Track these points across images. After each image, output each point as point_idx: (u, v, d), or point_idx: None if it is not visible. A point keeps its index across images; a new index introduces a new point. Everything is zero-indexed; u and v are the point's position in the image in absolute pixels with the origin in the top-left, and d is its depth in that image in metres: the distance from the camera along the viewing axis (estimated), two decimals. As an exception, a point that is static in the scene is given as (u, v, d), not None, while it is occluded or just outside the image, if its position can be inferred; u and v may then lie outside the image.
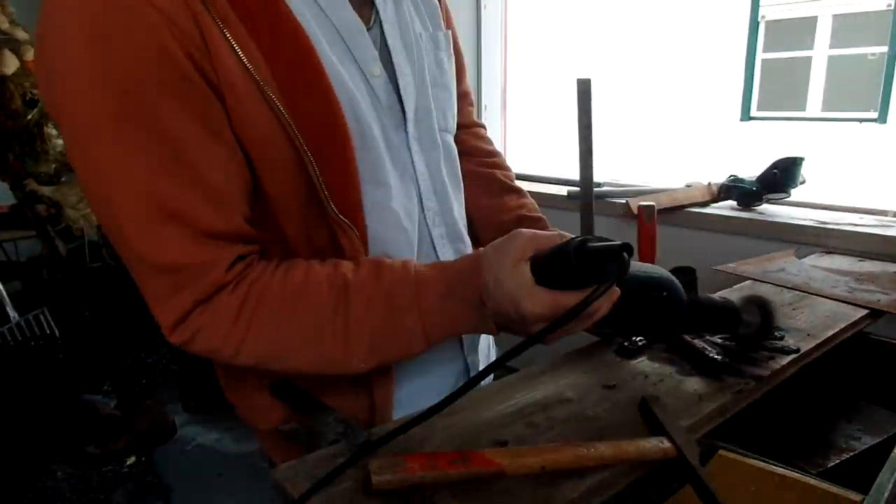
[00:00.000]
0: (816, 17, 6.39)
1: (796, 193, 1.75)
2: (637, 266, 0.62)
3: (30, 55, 2.18)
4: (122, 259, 0.59)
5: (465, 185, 0.84)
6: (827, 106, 6.49)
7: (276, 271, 0.62)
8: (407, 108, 0.71)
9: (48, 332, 2.13)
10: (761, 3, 6.45)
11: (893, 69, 5.64)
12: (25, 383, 1.96)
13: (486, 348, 0.88)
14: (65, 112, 0.55)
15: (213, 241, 0.58)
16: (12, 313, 2.13)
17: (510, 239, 0.58)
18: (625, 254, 0.50)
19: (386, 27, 0.70)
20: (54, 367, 2.06)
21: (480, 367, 0.82)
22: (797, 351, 0.78)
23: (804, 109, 6.62)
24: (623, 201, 1.92)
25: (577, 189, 1.51)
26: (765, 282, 1.14)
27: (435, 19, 0.79)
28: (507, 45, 2.53)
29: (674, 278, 0.64)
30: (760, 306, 0.69)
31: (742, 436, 0.71)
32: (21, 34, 2.19)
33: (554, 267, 0.53)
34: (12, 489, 1.88)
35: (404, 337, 0.62)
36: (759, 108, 6.80)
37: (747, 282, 1.15)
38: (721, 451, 0.65)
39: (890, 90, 5.67)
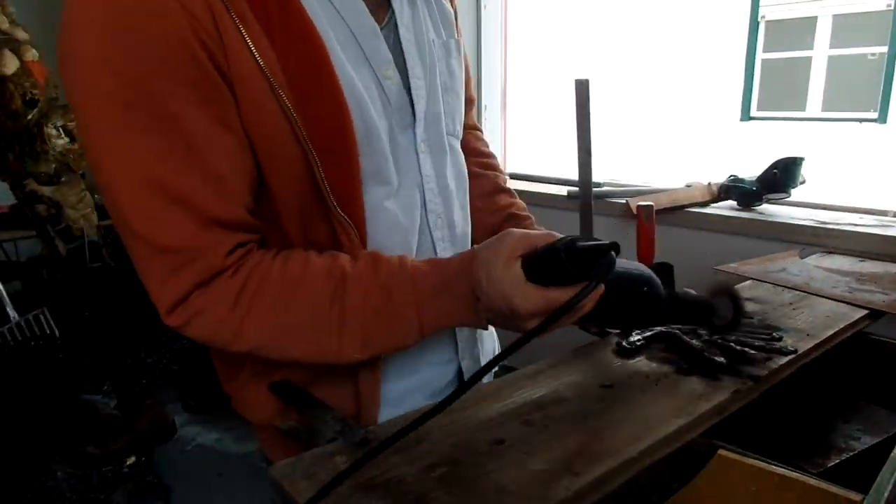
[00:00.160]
0: (816, 17, 6.39)
1: (796, 193, 1.75)
2: (618, 263, 0.64)
3: (30, 55, 2.18)
4: (122, 240, 0.60)
5: None
6: (827, 106, 6.50)
7: (276, 259, 0.62)
8: (417, 111, 0.72)
9: (48, 332, 2.13)
10: (761, 3, 6.46)
11: (893, 69, 5.64)
12: (25, 383, 1.96)
13: (492, 351, 0.89)
14: (79, 92, 0.56)
15: (215, 226, 0.59)
16: (12, 313, 2.13)
17: (502, 238, 0.59)
18: (612, 252, 0.52)
19: (402, 31, 0.70)
20: (54, 367, 2.06)
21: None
22: (795, 352, 0.78)
23: (804, 109, 6.62)
24: (623, 201, 1.92)
25: (576, 189, 1.51)
26: (765, 281, 1.14)
27: (449, 26, 0.79)
28: (507, 45, 2.53)
29: (653, 274, 0.67)
30: (730, 297, 0.71)
31: (742, 436, 0.71)
32: (21, 34, 2.18)
33: (545, 265, 0.55)
34: (12, 489, 1.88)
35: (400, 328, 0.63)
36: (759, 108, 6.80)
37: (748, 282, 1.15)
38: (721, 451, 0.65)
39: (890, 90, 5.68)
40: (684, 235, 1.81)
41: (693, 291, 0.72)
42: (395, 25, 0.70)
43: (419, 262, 0.65)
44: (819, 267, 1.28)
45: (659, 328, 0.81)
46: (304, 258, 0.63)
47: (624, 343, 0.79)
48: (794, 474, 0.61)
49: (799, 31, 6.49)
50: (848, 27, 6.21)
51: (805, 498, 0.59)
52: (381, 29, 0.68)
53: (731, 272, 1.23)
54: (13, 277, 2.64)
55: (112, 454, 2.03)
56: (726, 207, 1.82)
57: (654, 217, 1.11)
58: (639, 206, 1.12)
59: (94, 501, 1.94)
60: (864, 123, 6.00)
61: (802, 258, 1.37)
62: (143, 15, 0.53)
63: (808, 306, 0.98)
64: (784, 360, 0.76)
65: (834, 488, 0.58)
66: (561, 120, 1.76)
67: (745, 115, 6.83)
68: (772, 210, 1.74)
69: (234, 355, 0.68)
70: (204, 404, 2.52)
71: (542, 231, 0.60)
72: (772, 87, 6.75)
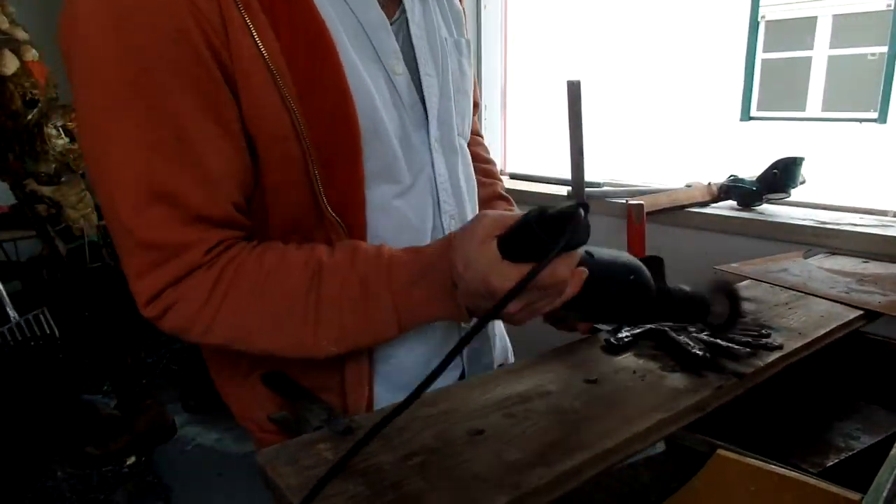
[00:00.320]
0: (816, 17, 6.39)
1: (796, 193, 1.75)
2: (604, 251, 0.64)
3: (30, 55, 2.18)
4: (110, 231, 0.60)
5: None
6: (827, 106, 6.50)
7: (253, 251, 0.62)
8: (430, 109, 0.71)
9: (48, 332, 2.13)
10: (761, 3, 6.46)
11: (893, 69, 5.64)
12: (25, 383, 1.96)
13: (503, 349, 0.88)
14: (78, 82, 0.56)
15: (199, 223, 0.59)
16: (12, 313, 2.13)
17: (477, 219, 0.59)
18: (581, 210, 0.52)
19: (412, 28, 0.70)
20: (54, 367, 2.06)
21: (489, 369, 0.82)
22: (780, 347, 0.77)
23: (804, 109, 6.62)
24: (623, 201, 1.92)
25: (576, 189, 1.51)
26: (763, 281, 1.14)
27: (459, 26, 0.79)
28: (507, 45, 2.53)
29: (641, 263, 0.65)
30: (728, 294, 0.70)
31: (741, 435, 0.71)
32: (21, 34, 2.18)
33: (518, 239, 0.55)
34: (12, 489, 1.88)
35: (377, 320, 0.63)
36: (759, 108, 6.80)
37: (746, 281, 1.15)
38: (720, 451, 0.65)
39: (890, 90, 5.67)
40: (684, 235, 1.81)
41: (687, 287, 0.70)
42: (406, 22, 0.70)
43: (397, 251, 0.64)
44: (821, 268, 1.28)
45: (649, 325, 0.80)
46: (281, 250, 0.63)
47: (612, 339, 0.78)
48: (794, 474, 0.61)
49: (799, 31, 6.49)
50: (848, 27, 6.21)
51: (804, 497, 0.59)
52: (392, 24, 0.67)
53: (732, 272, 1.23)
54: (13, 277, 2.64)
55: (112, 454, 2.03)
56: (726, 207, 1.82)
57: (646, 217, 1.11)
58: (629, 206, 1.12)
59: (94, 501, 1.95)
60: (864, 123, 6.00)
61: (806, 259, 1.37)
62: (147, 7, 0.53)
63: (804, 306, 0.98)
64: (770, 357, 0.75)
65: (833, 488, 0.58)
66: (561, 119, 1.76)
67: (745, 115, 6.83)
68: (772, 210, 1.74)
69: (225, 352, 0.68)
70: (204, 404, 2.52)
71: (518, 212, 0.59)
72: (772, 87, 6.75)
